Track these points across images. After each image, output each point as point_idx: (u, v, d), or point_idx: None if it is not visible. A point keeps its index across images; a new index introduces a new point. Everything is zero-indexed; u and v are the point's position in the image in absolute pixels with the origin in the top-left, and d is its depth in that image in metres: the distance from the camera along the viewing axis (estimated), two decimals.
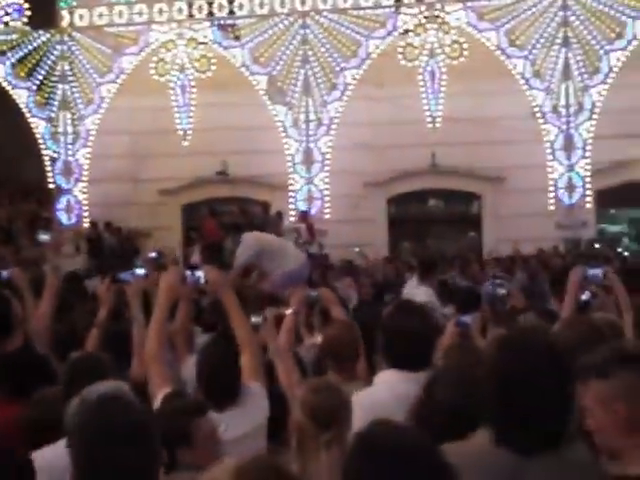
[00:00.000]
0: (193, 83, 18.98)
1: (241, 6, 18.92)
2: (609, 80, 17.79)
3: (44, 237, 14.60)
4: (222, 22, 19.11)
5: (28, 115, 19.09)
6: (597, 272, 5.37)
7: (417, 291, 7.93)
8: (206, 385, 3.93)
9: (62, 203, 19.13)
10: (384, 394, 3.81)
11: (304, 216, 17.91)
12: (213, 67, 18.90)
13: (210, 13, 19.02)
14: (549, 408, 2.65)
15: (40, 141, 19.08)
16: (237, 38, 19.07)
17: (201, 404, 3.49)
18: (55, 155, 19.09)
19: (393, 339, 3.96)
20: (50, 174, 19.11)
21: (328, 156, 18.58)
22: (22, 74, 19.11)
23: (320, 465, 3.26)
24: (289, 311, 5.35)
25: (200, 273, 4.42)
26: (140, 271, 5.86)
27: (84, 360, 4.22)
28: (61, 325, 5.68)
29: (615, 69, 17.75)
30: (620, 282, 5.07)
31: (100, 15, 19.21)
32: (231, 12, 19.02)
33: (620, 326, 4.66)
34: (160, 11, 19.04)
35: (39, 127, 19.09)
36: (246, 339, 4.20)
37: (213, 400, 3.77)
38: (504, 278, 8.48)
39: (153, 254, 13.66)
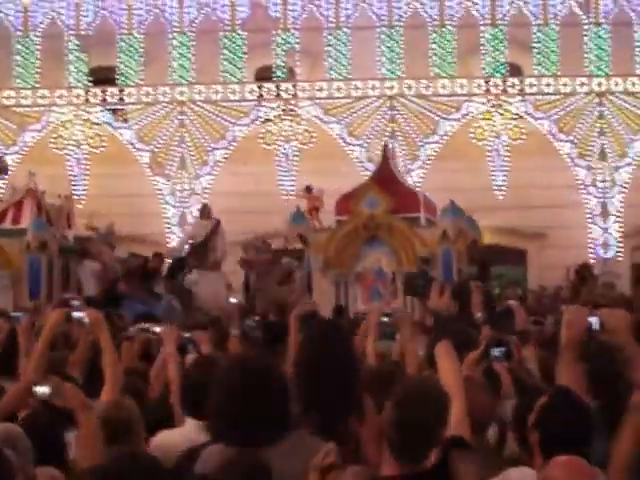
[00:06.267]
0: (87, 156, 21.54)
1: (130, 94, 21.79)
2: (427, 165, 21.83)
3: None
4: (113, 107, 21.94)
5: None
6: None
7: None
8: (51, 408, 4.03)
9: None
10: (178, 438, 4.24)
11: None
12: (104, 144, 21.53)
13: (103, 99, 21.78)
14: (263, 410, 3.20)
15: None
16: (125, 120, 21.85)
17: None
18: None
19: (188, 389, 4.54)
20: None
21: None
22: None
23: None
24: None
25: (83, 314, 4.87)
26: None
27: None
28: None
29: (431, 158, 21.72)
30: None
31: (8, 97, 21.68)
32: (121, 99, 21.86)
33: None
34: (61, 96, 21.68)
35: None
36: (112, 376, 4.61)
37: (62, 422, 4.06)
38: None
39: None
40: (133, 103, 22.00)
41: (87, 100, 21.90)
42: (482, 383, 4.51)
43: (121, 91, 21.98)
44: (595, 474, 3.27)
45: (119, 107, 22.10)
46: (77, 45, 21.92)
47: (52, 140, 21.76)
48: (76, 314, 4.89)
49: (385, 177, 16.70)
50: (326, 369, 3.78)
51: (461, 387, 3.77)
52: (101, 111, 21.95)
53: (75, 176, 21.70)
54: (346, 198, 16.35)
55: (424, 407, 3.29)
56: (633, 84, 21.96)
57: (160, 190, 21.79)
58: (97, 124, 21.87)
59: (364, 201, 15.44)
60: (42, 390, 3.76)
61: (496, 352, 5.44)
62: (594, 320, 4.22)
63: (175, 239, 21.53)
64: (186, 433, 4.29)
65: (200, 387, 4.12)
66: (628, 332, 4.12)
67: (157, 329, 6.47)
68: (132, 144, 21.79)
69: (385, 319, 6.07)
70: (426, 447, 3.28)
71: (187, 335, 6.16)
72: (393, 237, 15.34)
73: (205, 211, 18.52)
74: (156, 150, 21.79)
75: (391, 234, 15.31)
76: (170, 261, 17.92)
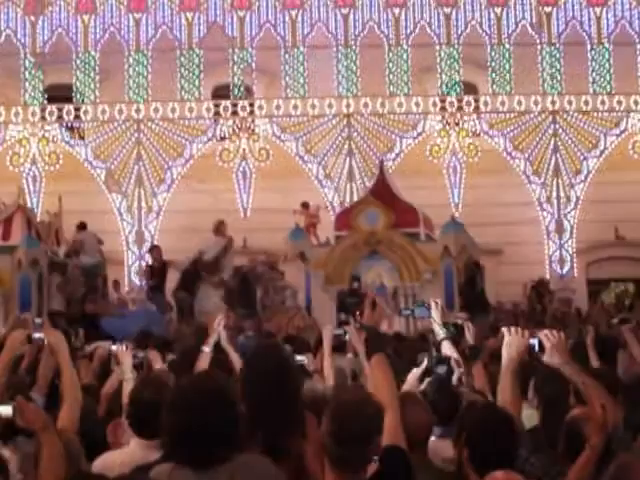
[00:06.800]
0: (43, 174, 21.62)
1: (86, 112, 21.92)
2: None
3: None
4: (69, 124, 22.01)
5: None
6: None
7: None
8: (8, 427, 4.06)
9: None
10: (124, 458, 4.24)
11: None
12: (61, 161, 21.63)
13: (60, 117, 21.84)
14: (208, 430, 3.20)
15: None
16: (82, 138, 22.01)
17: None
18: None
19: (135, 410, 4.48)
20: None
21: (157, 237, 21.54)
22: None
23: None
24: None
25: (42, 334, 4.86)
26: None
27: None
28: None
29: (389, 173, 21.72)
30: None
31: None
32: (77, 117, 21.93)
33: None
34: (17, 113, 21.73)
35: None
36: (69, 393, 4.66)
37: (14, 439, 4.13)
38: None
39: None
40: (89, 121, 22.13)
41: (43, 118, 22.02)
42: (420, 400, 4.64)
43: (77, 109, 22.10)
44: None
45: (75, 125, 22.21)
46: (33, 63, 22.03)
47: (8, 157, 21.77)
48: (36, 335, 4.88)
49: (383, 193, 16.80)
50: (268, 390, 3.80)
51: (395, 399, 3.84)
52: (58, 128, 22.04)
53: (31, 193, 21.71)
54: (345, 213, 16.58)
55: (358, 419, 3.38)
56: (586, 102, 22.35)
57: (117, 208, 21.85)
58: (53, 141, 22.01)
59: (364, 216, 15.59)
60: (5, 410, 3.76)
61: (439, 370, 5.65)
62: (535, 342, 4.36)
63: (132, 256, 21.58)
64: (131, 452, 4.31)
65: (145, 405, 4.22)
66: (565, 352, 4.26)
67: (113, 347, 6.50)
68: (89, 161, 21.91)
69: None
70: (363, 458, 3.37)
71: (141, 354, 6.26)
72: (394, 252, 15.39)
73: (220, 228, 18.26)
74: (113, 167, 21.90)
75: (392, 249, 15.38)
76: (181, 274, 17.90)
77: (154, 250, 18.82)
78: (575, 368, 4.42)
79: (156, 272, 18.05)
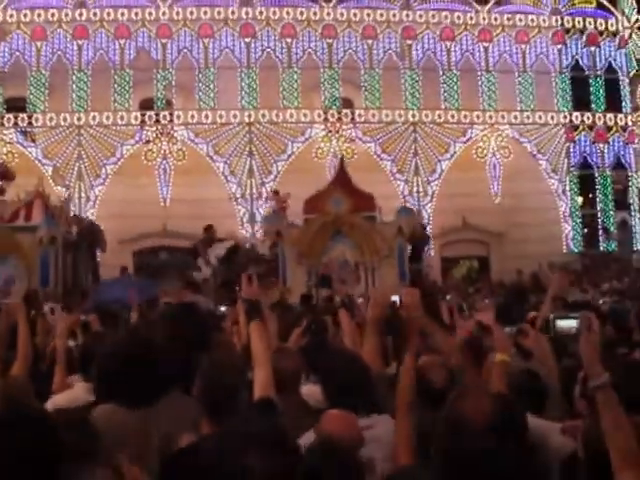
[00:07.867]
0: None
1: (37, 119, 25.14)
2: (279, 178, 25.72)
3: None
4: (24, 130, 24.99)
5: None
6: None
7: None
8: None
9: None
10: (70, 399, 4.62)
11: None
12: (16, 159, 24.57)
13: (15, 123, 25.18)
14: (138, 378, 3.48)
15: None
16: (33, 140, 24.88)
17: None
18: None
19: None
20: None
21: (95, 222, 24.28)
22: None
23: None
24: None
25: (6, 300, 5.41)
26: None
27: None
28: None
29: (282, 172, 25.62)
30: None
31: None
32: (30, 123, 25.16)
33: None
34: None
35: None
36: (22, 353, 5.02)
37: None
38: None
39: None
40: (40, 127, 25.03)
41: (2, 124, 25.02)
42: (292, 352, 5.09)
43: (30, 117, 24.99)
44: (358, 426, 3.61)
45: (28, 130, 25.04)
46: None
47: None
48: (3, 301, 5.43)
49: (343, 183, 18.40)
50: (182, 340, 4.22)
51: (268, 359, 3.96)
52: (14, 133, 25.09)
53: None
54: (314, 199, 17.88)
55: (224, 375, 3.62)
56: (439, 116, 27.00)
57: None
58: (10, 143, 24.93)
59: (331, 201, 16.92)
60: None
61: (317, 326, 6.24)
62: (397, 298, 4.69)
63: None
64: (75, 394, 4.70)
65: (89, 355, 4.71)
66: (419, 307, 4.41)
67: (45, 309, 7.36)
68: (38, 160, 24.86)
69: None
70: (232, 408, 3.51)
71: (83, 317, 7.00)
72: (355, 232, 16.67)
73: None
74: (58, 165, 24.92)
75: (353, 230, 16.66)
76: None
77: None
78: (428, 320, 4.61)
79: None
